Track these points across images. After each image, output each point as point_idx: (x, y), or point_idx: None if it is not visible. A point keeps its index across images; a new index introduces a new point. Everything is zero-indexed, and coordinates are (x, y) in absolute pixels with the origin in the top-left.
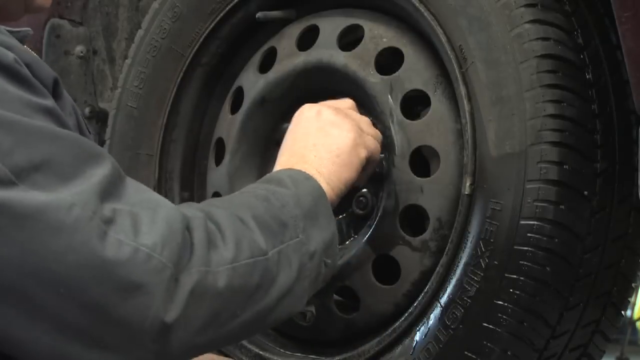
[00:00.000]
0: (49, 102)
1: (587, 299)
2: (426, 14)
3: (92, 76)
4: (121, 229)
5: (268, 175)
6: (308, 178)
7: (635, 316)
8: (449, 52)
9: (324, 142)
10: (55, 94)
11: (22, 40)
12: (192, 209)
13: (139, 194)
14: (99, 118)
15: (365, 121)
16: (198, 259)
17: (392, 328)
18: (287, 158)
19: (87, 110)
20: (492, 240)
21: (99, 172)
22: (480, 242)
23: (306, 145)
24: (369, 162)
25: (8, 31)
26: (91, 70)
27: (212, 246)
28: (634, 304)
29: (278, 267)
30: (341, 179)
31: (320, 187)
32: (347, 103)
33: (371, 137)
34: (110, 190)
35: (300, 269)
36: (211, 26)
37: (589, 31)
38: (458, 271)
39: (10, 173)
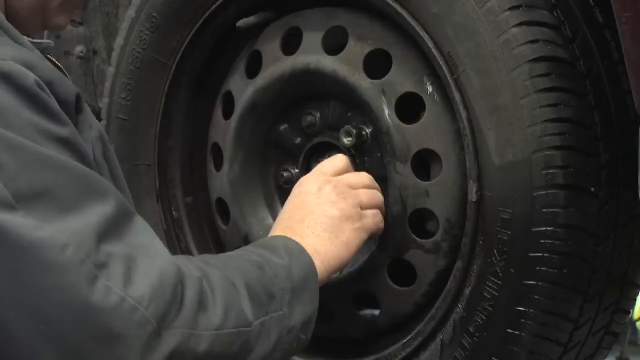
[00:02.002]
0: (66, 130)
1: (605, 286)
2: (410, 20)
3: (92, 76)
4: (112, 275)
5: (264, 239)
6: (303, 252)
7: (635, 316)
8: (438, 59)
9: (323, 221)
10: (77, 109)
11: (44, 52)
12: (190, 265)
13: (141, 238)
14: (99, 118)
15: (365, 191)
16: (185, 320)
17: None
18: (282, 231)
19: None
20: (505, 248)
21: (101, 210)
22: (494, 250)
23: (304, 221)
24: (367, 240)
25: (31, 43)
26: (91, 70)
27: (201, 308)
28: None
29: (258, 338)
30: (337, 259)
31: (312, 264)
32: (341, 162)
33: (371, 213)
34: (111, 230)
35: (277, 341)
36: (191, 33)
37: (575, 19)
38: (475, 280)
39: (11, 197)
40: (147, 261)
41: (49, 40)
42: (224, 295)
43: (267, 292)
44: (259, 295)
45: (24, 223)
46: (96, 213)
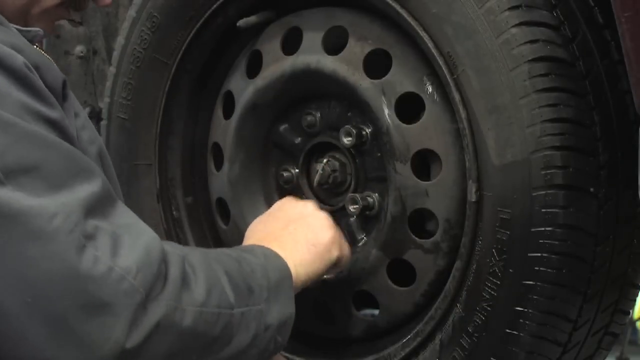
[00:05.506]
0: (54, 113)
1: (604, 286)
2: (410, 20)
3: (92, 76)
4: (100, 246)
5: (239, 246)
6: (278, 256)
7: (635, 316)
8: (438, 59)
9: (303, 229)
10: (63, 95)
11: (32, 40)
12: (172, 247)
13: (126, 218)
14: (99, 118)
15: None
16: (169, 293)
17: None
18: (262, 236)
19: (87, 110)
20: (505, 249)
21: (87, 188)
22: (494, 250)
23: (285, 228)
24: (336, 264)
25: (18, 30)
26: (91, 70)
27: (185, 285)
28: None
29: (239, 327)
30: (310, 268)
31: (287, 268)
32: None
33: (346, 243)
34: (96, 208)
35: (254, 337)
36: (192, 33)
37: (575, 19)
38: (475, 280)
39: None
40: (132, 237)
41: (37, 29)
42: (205, 276)
43: (246, 284)
44: (239, 285)
45: (12, 195)
46: (83, 190)
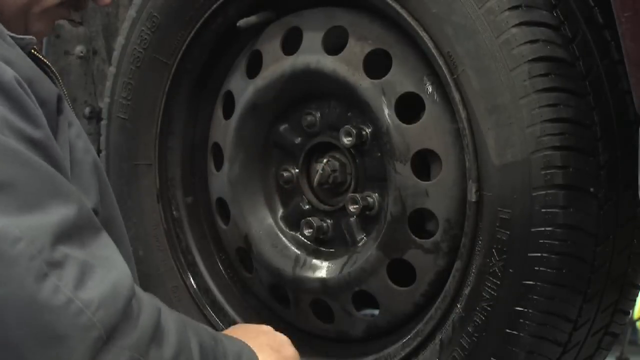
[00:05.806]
0: (38, 132)
1: (604, 286)
2: (410, 20)
3: (92, 76)
4: (64, 276)
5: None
6: (253, 352)
7: (635, 316)
8: (438, 59)
9: (269, 340)
10: (58, 110)
11: (25, 48)
12: (150, 297)
13: (105, 250)
14: (99, 118)
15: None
16: (137, 343)
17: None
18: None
19: (87, 110)
20: (505, 249)
21: (62, 212)
22: (494, 250)
23: (251, 339)
24: None
25: (12, 38)
26: (91, 70)
27: (155, 339)
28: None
29: None
30: None
31: None
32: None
33: None
34: (71, 234)
35: None
36: (192, 33)
37: (575, 19)
38: (475, 280)
39: None
40: (104, 271)
41: (30, 37)
42: (178, 338)
43: None
44: None
45: None
46: (57, 214)
